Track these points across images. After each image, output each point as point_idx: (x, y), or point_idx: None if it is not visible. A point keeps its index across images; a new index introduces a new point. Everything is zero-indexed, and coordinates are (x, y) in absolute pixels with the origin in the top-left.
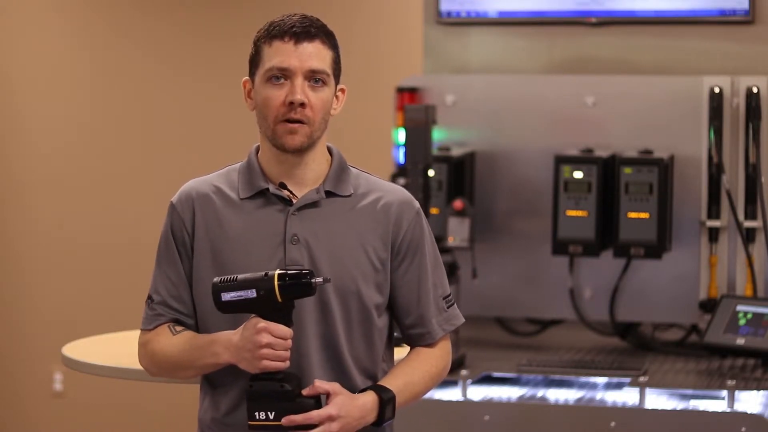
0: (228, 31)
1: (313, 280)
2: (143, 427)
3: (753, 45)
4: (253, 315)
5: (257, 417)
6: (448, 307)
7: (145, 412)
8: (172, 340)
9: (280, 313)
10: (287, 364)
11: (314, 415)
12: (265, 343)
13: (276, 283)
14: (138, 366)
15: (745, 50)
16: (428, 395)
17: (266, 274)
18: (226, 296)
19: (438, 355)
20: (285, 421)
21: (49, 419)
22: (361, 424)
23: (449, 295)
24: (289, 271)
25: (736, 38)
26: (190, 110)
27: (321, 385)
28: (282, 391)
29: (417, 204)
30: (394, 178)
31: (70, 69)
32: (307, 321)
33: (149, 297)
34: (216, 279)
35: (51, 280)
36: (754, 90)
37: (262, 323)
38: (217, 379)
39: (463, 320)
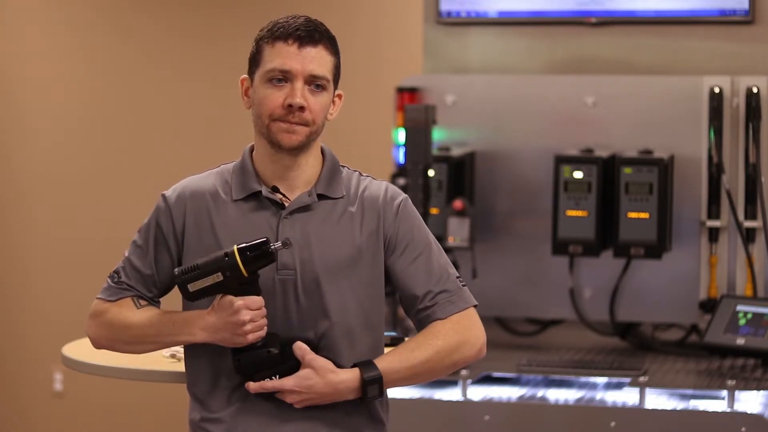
0: (227, 31)
1: (271, 246)
2: (143, 427)
3: (753, 45)
4: (222, 294)
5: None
6: (455, 287)
7: (145, 412)
8: (138, 313)
9: (248, 286)
10: (265, 331)
11: (268, 385)
12: (248, 320)
13: (238, 259)
14: (138, 366)
15: (745, 50)
16: (428, 395)
17: (226, 254)
18: (193, 286)
19: (448, 329)
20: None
21: (49, 419)
22: (331, 399)
23: (457, 276)
24: (248, 245)
25: (736, 38)
26: (192, 109)
27: (296, 349)
28: (270, 356)
29: (403, 194)
30: (394, 178)
31: (70, 68)
32: (308, 325)
33: (116, 272)
34: (176, 271)
35: (51, 280)
36: (754, 90)
37: (239, 302)
38: (199, 388)
39: (476, 303)
